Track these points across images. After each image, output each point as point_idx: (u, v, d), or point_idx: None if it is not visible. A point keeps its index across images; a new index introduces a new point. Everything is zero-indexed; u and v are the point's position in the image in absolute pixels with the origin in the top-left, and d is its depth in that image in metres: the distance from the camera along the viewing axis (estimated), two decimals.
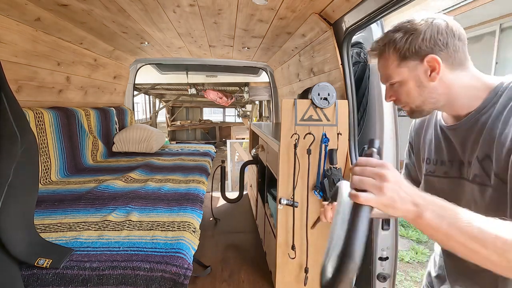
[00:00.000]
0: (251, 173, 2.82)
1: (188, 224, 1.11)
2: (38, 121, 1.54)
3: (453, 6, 3.91)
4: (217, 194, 2.76)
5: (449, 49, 0.63)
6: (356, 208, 0.49)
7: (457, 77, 0.66)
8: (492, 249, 0.45)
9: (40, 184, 1.49)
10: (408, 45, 0.65)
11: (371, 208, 0.49)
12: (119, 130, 2.57)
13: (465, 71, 0.66)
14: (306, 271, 1.46)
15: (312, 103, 1.31)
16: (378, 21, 1.33)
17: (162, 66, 3.59)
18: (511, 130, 0.55)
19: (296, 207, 1.39)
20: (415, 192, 0.50)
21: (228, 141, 5.19)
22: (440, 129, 0.75)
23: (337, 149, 1.32)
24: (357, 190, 0.49)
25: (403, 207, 0.49)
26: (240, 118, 11.45)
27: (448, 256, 0.76)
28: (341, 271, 0.45)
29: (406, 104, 0.72)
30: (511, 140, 0.55)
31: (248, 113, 10.49)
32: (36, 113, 1.54)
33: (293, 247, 1.45)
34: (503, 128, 0.57)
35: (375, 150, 0.54)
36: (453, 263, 0.76)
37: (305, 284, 1.46)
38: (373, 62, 1.38)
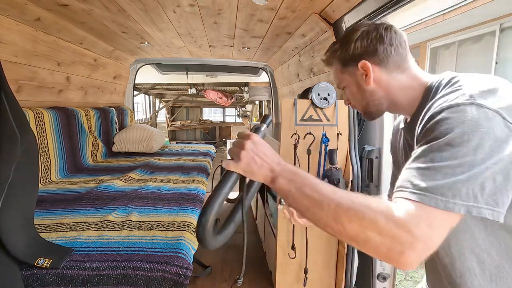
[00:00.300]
0: None
1: (188, 224, 1.11)
2: (38, 121, 1.54)
3: (453, 6, 3.91)
4: None
5: (379, 54, 0.68)
6: (224, 173, 0.59)
7: (394, 79, 0.69)
8: (326, 211, 0.49)
9: (40, 184, 1.49)
10: (344, 53, 0.72)
11: (238, 174, 0.58)
12: (119, 130, 2.57)
13: (403, 72, 0.69)
14: (306, 271, 1.46)
15: (312, 103, 1.31)
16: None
17: (162, 66, 3.59)
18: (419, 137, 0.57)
19: None
20: (273, 159, 0.57)
21: (228, 141, 5.19)
22: (402, 133, 0.78)
23: (337, 149, 1.32)
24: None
25: (259, 172, 0.56)
26: (240, 118, 11.45)
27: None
28: (197, 224, 0.59)
29: (355, 106, 0.79)
30: (417, 146, 0.56)
31: (248, 113, 10.49)
32: (36, 113, 1.54)
33: (293, 247, 1.45)
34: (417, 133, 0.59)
35: (263, 125, 0.64)
36: None
37: (304, 285, 1.46)
38: None
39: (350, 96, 0.77)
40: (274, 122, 3.17)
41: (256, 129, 0.63)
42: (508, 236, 0.56)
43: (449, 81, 0.60)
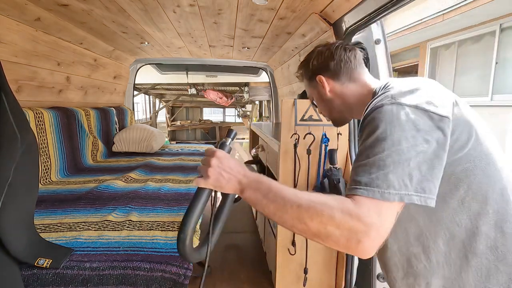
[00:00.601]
0: None
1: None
2: (38, 121, 1.54)
3: (453, 6, 3.91)
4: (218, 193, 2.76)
5: (331, 68, 0.81)
6: (196, 191, 0.65)
7: (347, 88, 0.80)
8: (290, 213, 0.53)
9: (40, 184, 1.49)
10: (306, 70, 0.87)
11: (210, 190, 0.63)
12: (119, 130, 2.57)
13: (354, 82, 0.80)
14: (305, 271, 1.46)
15: (312, 103, 1.31)
16: (378, 21, 1.33)
17: (162, 66, 3.59)
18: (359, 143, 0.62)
19: None
20: (239, 172, 0.61)
21: None
22: None
23: (337, 149, 1.32)
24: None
25: (228, 186, 0.61)
26: (240, 118, 11.44)
27: None
28: (177, 241, 0.62)
29: (324, 115, 0.90)
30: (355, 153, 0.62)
31: (248, 113, 10.48)
32: (36, 113, 1.54)
33: (293, 243, 1.44)
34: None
35: (228, 139, 0.68)
36: None
37: (304, 285, 1.46)
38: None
39: (318, 106, 0.89)
40: (274, 122, 3.17)
41: (221, 144, 0.67)
42: (452, 225, 0.60)
43: (383, 86, 0.68)
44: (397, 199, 0.50)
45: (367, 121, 0.59)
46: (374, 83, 0.78)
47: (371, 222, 0.49)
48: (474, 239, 0.59)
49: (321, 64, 0.83)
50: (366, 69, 0.83)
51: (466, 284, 0.59)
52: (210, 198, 0.67)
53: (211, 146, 0.68)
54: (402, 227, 0.65)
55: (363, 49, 1.45)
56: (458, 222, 0.60)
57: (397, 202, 0.51)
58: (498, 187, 0.59)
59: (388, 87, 0.65)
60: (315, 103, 0.90)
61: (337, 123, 0.89)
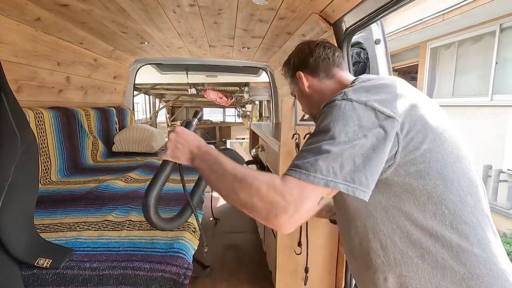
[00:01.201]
0: None
1: (188, 224, 1.11)
2: (38, 121, 1.54)
3: (453, 6, 3.91)
4: (217, 194, 2.76)
5: (310, 65, 0.84)
6: (161, 163, 0.78)
7: (324, 84, 0.83)
8: (226, 183, 0.61)
9: (40, 184, 1.49)
10: (288, 67, 0.91)
11: (173, 163, 0.77)
12: (119, 130, 2.57)
13: (331, 78, 0.83)
14: (306, 270, 1.46)
15: (295, 99, 1.31)
16: (378, 21, 1.33)
17: (162, 66, 3.59)
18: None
19: None
20: (193, 144, 0.72)
21: (228, 141, 5.18)
22: None
23: None
24: None
25: (182, 155, 0.72)
26: (240, 118, 11.44)
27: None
28: (142, 209, 0.78)
29: (305, 111, 0.94)
30: None
31: (248, 113, 10.48)
32: (36, 113, 1.54)
33: (299, 244, 1.44)
34: None
35: (194, 119, 0.80)
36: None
37: (305, 284, 1.46)
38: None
39: (299, 102, 0.93)
40: (274, 122, 3.17)
41: (187, 123, 0.78)
42: (408, 224, 0.62)
43: (351, 83, 0.71)
44: (322, 183, 0.53)
45: (319, 114, 0.64)
46: (348, 80, 0.80)
47: (291, 199, 0.53)
48: (430, 238, 0.60)
49: (300, 60, 0.87)
50: (345, 67, 0.87)
51: (422, 281, 0.61)
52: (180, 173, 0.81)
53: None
54: (362, 223, 0.68)
55: (363, 49, 1.45)
56: (414, 221, 0.61)
57: (322, 187, 0.54)
58: (455, 189, 0.60)
59: (353, 84, 0.68)
60: (297, 99, 0.95)
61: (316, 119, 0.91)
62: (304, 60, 0.86)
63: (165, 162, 0.76)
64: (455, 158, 0.62)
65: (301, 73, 0.85)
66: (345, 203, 0.70)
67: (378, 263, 0.67)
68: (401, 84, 0.67)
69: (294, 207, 0.53)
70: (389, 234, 0.64)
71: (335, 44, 1.37)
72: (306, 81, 0.85)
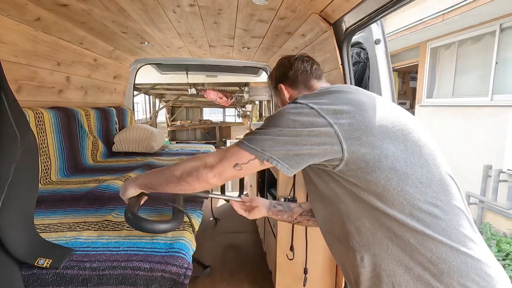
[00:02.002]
0: None
1: (188, 224, 1.11)
2: (38, 121, 1.54)
3: (453, 6, 3.91)
4: (217, 193, 2.76)
5: (289, 78, 0.95)
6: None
7: (301, 93, 0.92)
8: (164, 178, 0.84)
9: (40, 184, 1.49)
10: (272, 80, 1.03)
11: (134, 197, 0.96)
12: (119, 130, 2.56)
13: (309, 89, 0.92)
14: (305, 271, 1.46)
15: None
16: (378, 21, 1.33)
17: (162, 66, 3.58)
18: None
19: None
20: (129, 182, 0.94)
21: (228, 141, 5.18)
22: None
23: None
24: None
25: (129, 192, 0.94)
26: (240, 118, 11.44)
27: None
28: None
29: None
30: None
31: (248, 113, 10.48)
32: (36, 113, 1.54)
33: (291, 248, 1.45)
34: None
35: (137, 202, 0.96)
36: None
37: (304, 285, 1.46)
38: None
39: None
40: None
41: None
42: (373, 209, 0.68)
43: None
44: (253, 153, 0.70)
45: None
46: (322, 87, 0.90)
47: (220, 157, 0.75)
48: (395, 222, 0.66)
49: (281, 74, 0.97)
50: (323, 78, 0.97)
51: (393, 261, 0.66)
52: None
53: None
54: (337, 208, 0.75)
55: (363, 49, 1.45)
56: (376, 208, 0.67)
57: (249, 154, 0.71)
58: (411, 181, 0.66)
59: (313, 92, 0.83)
60: None
61: None
62: (284, 74, 0.96)
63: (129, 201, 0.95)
64: (410, 153, 0.68)
65: (282, 86, 0.96)
66: (319, 193, 0.80)
67: (354, 244, 0.73)
68: (351, 91, 0.77)
69: (220, 166, 0.74)
70: (359, 217, 0.70)
71: (335, 44, 1.37)
72: (287, 93, 0.95)
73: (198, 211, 1.29)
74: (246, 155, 0.71)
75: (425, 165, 0.68)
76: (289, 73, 0.94)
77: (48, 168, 1.60)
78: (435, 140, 0.77)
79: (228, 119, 13.29)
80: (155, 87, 8.62)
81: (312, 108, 0.69)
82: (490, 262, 0.64)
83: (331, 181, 0.74)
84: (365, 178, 0.67)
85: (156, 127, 7.16)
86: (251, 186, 2.88)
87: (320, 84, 0.93)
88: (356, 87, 0.83)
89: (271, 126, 0.70)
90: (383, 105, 0.74)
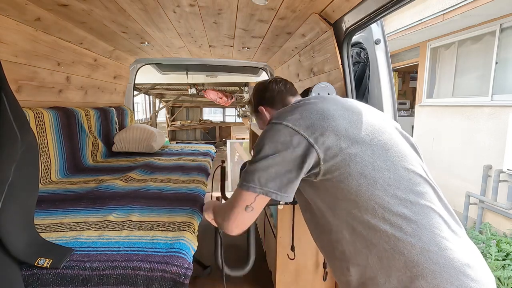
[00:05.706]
0: None
1: (188, 225, 1.11)
2: (38, 121, 1.54)
3: (453, 6, 3.91)
4: (217, 194, 2.76)
5: (267, 99, 1.02)
6: None
7: None
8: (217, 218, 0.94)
9: (40, 184, 1.49)
10: (251, 105, 1.10)
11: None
12: (119, 130, 2.56)
13: (285, 106, 0.96)
14: (324, 266, 1.46)
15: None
16: (378, 21, 1.33)
17: (162, 66, 3.58)
18: None
19: (296, 203, 1.40)
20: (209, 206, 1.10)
21: (228, 141, 5.18)
22: None
23: None
24: None
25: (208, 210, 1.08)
26: (240, 118, 11.44)
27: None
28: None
29: None
30: None
31: (248, 113, 10.47)
32: (36, 113, 1.54)
33: (292, 248, 1.45)
34: None
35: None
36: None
37: (304, 285, 1.46)
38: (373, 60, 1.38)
39: None
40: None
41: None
42: (350, 219, 0.70)
43: None
44: (251, 190, 0.73)
45: None
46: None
47: (230, 206, 0.80)
48: (370, 230, 0.67)
49: (259, 97, 1.04)
50: (297, 94, 1.04)
51: (374, 270, 0.68)
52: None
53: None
54: (322, 221, 0.78)
55: (363, 49, 1.46)
56: (353, 217, 0.69)
57: (252, 193, 0.74)
58: (379, 185, 0.67)
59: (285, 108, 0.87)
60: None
61: None
62: (262, 96, 1.04)
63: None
64: (376, 156, 0.70)
65: (262, 108, 1.03)
66: (307, 205, 0.83)
67: (338, 255, 0.75)
68: (318, 101, 0.80)
69: (234, 218, 0.79)
70: (340, 230, 0.73)
71: (335, 44, 1.37)
72: (267, 113, 1.02)
73: (199, 211, 1.29)
74: (250, 195, 0.75)
75: (392, 167, 0.70)
76: (266, 95, 1.02)
77: (48, 168, 1.61)
78: (412, 140, 0.79)
79: (228, 119, 13.28)
80: (155, 87, 8.62)
81: (286, 126, 0.74)
82: (469, 260, 0.63)
83: (312, 193, 0.78)
84: (340, 187, 0.70)
85: (156, 127, 7.16)
86: None
87: (296, 98, 1.01)
88: (325, 96, 0.89)
89: (261, 157, 0.73)
90: (350, 111, 0.77)
